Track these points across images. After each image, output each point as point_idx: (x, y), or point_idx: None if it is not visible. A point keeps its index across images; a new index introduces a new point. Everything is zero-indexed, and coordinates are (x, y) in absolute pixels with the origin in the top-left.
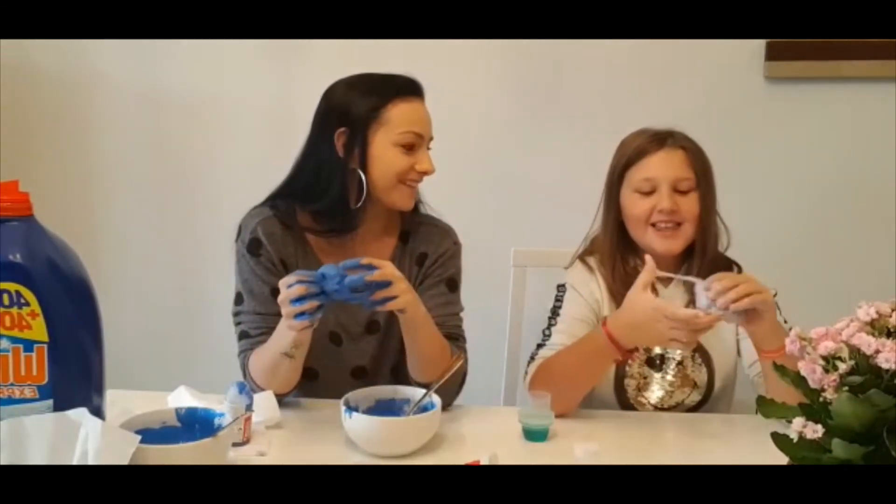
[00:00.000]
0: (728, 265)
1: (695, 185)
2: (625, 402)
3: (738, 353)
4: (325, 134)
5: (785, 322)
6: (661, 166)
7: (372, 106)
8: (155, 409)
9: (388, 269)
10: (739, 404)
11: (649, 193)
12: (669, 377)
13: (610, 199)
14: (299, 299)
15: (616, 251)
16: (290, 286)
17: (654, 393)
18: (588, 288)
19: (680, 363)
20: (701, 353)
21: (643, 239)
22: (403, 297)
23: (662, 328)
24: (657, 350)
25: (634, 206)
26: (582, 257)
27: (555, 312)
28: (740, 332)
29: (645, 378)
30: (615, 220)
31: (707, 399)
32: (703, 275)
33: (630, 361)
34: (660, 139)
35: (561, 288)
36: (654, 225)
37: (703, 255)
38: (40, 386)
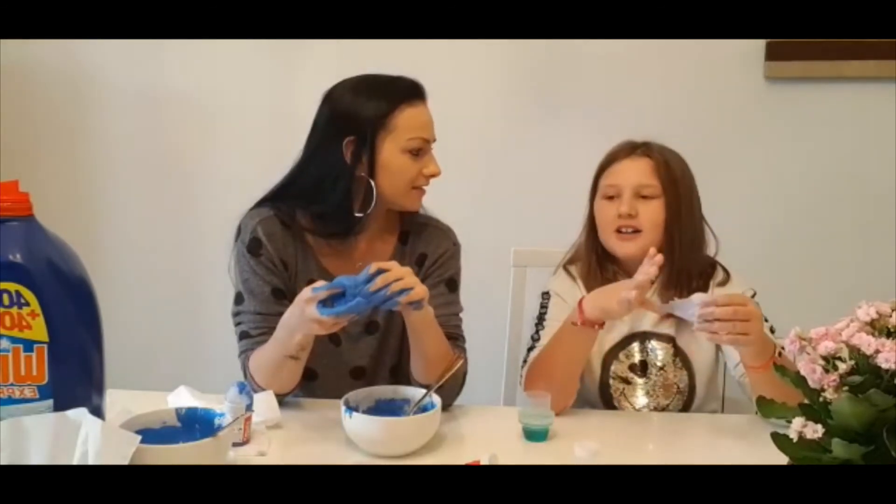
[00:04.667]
0: (711, 267)
1: (659, 192)
2: (612, 409)
3: (717, 357)
4: (330, 140)
5: (765, 321)
6: (626, 172)
7: (380, 113)
8: (155, 409)
9: (396, 269)
10: (732, 403)
11: (614, 199)
12: (652, 383)
13: (589, 208)
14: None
15: (592, 256)
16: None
17: (639, 399)
18: (572, 295)
19: (662, 368)
20: (681, 357)
21: (608, 244)
22: (419, 288)
23: (617, 287)
24: (638, 357)
25: (601, 211)
26: (565, 266)
27: (541, 319)
28: None
29: (629, 383)
30: (590, 227)
31: (690, 403)
32: (675, 280)
33: (613, 367)
34: (630, 148)
35: (545, 296)
36: (616, 230)
37: (670, 263)
38: (40, 386)
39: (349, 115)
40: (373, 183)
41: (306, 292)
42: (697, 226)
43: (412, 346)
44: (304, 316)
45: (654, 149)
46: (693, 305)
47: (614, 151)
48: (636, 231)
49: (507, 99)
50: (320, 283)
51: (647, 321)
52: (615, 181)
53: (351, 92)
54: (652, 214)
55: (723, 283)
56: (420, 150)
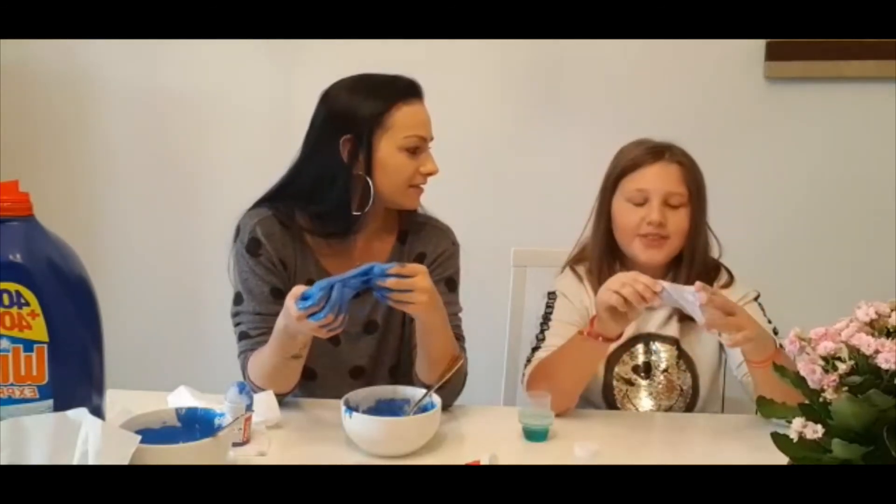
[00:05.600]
0: (715, 269)
1: (686, 201)
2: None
3: (720, 359)
4: (327, 139)
5: (769, 322)
6: (655, 179)
7: (376, 111)
8: (155, 409)
9: (416, 280)
10: (732, 403)
11: (640, 204)
12: (656, 384)
13: (602, 206)
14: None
15: (604, 258)
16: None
17: (643, 401)
18: (578, 296)
19: (665, 370)
20: (685, 359)
21: (629, 248)
22: (417, 305)
23: (606, 289)
24: (642, 358)
25: (625, 215)
26: (572, 266)
27: (546, 318)
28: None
29: (632, 385)
30: (605, 226)
31: (694, 405)
32: (682, 283)
33: (617, 368)
34: (657, 152)
35: (551, 295)
36: (641, 235)
37: (689, 267)
38: (40, 386)
39: (346, 113)
40: (370, 181)
41: (293, 309)
42: (707, 229)
43: (419, 346)
44: (304, 328)
45: (678, 152)
46: (687, 293)
47: (638, 155)
48: (663, 238)
49: (507, 99)
50: (300, 291)
51: (652, 323)
52: (644, 186)
53: (347, 91)
54: (679, 222)
55: (726, 286)
56: (417, 149)
